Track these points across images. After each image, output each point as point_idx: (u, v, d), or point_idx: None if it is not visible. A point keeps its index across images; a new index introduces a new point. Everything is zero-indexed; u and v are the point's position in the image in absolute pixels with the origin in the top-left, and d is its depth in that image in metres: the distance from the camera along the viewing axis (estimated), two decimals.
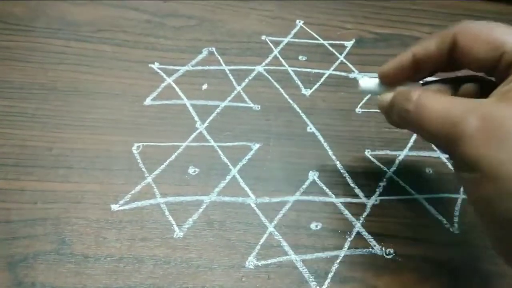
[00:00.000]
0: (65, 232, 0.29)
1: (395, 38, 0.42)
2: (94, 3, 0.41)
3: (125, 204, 0.30)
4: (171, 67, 0.38)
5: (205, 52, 0.39)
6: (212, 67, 0.38)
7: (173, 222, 0.30)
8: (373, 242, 0.30)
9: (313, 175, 0.33)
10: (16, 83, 0.35)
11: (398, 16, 0.44)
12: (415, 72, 0.24)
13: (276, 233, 0.30)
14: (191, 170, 0.32)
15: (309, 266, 0.28)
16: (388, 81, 0.25)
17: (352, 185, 0.32)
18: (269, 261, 0.29)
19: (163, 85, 0.36)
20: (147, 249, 0.28)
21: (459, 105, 0.20)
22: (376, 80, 0.27)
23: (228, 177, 0.32)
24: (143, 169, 0.32)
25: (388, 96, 0.25)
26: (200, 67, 0.38)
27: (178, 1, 0.42)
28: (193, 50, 0.39)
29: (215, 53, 0.39)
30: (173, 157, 0.33)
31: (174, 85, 0.37)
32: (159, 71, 0.37)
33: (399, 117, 0.23)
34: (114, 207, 0.30)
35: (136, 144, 0.33)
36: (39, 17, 0.40)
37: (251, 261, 0.28)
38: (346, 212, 0.31)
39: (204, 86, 0.37)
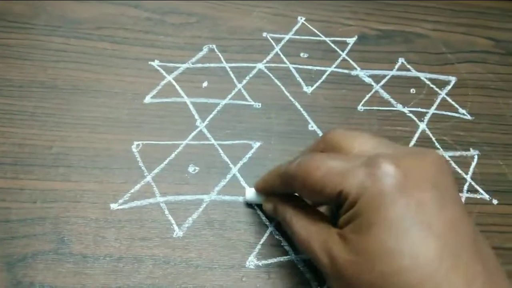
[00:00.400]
0: (64, 232, 0.28)
1: (398, 34, 0.42)
2: (94, 0, 0.41)
3: (124, 203, 0.30)
4: (171, 64, 0.37)
5: (205, 50, 0.39)
6: (212, 65, 0.38)
7: (173, 222, 0.29)
8: None
9: None
10: (15, 81, 0.35)
11: (401, 12, 0.44)
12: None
13: (277, 232, 0.29)
14: (191, 168, 0.32)
15: (310, 266, 0.28)
16: (264, 192, 0.29)
17: None
18: (270, 261, 0.28)
19: (163, 82, 0.36)
20: (146, 249, 0.28)
21: (316, 239, 0.23)
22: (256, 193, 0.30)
23: (229, 176, 0.32)
24: (143, 168, 0.31)
25: (269, 204, 0.29)
26: (200, 65, 0.38)
27: None
28: (193, 48, 0.39)
29: (216, 50, 0.39)
30: (173, 155, 0.32)
31: (174, 82, 0.36)
32: (159, 68, 0.37)
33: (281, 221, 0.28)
34: (113, 206, 0.30)
35: (135, 143, 0.33)
36: (39, 15, 0.39)
37: (251, 261, 0.28)
38: None
39: (205, 84, 0.36)
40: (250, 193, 0.30)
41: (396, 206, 0.21)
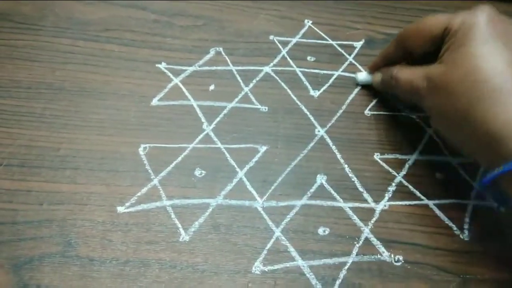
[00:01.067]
0: (71, 234, 0.28)
1: None
2: (102, 2, 0.41)
3: (131, 207, 0.30)
4: (178, 67, 0.37)
5: (212, 52, 0.39)
6: (219, 68, 0.38)
7: (179, 225, 0.29)
8: (381, 248, 0.29)
9: (321, 179, 0.32)
10: (23, 82, 0.35)
11: (408, 16, 0.43)
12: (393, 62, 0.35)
13: (283, 237, 0.29)
14: (197, 172, 0.32)
15: (317, 272, 0.28)
16: (376, 69, 0.37)
17: (361, 189, 0.32)
18: (276, 267, 0.28)
19: (170, 85, 0.36)
20: (153, 253, 0.28)
21: (417, 74, 0.30)
22: (367, 74, 0.37)
23: (235, 180, 0.32)
24: (149, 171, 0.32)
25: (378, 75, 0.36)
26: (207, 67, 0.38)
27: (186, 0, 0.42)
28: (200, 50, 0.39)
29: (223, 53, 0.39)
30: (179, 159, 0.32)
31: (181, 85, 0.36)
32: (166, 71, 0.37)
33: (386, 87, 0.35)
34: (120, 209, 0.30)
35: (142, 146, 0.33)
36: (47, 16, 0.40)
37: (257, 267, 0.28)
38: (354, 217, 0.31)
39: (211, 87, 0.36)
40: (362, 75, 0.37)
41: (485, 29, 0.27)
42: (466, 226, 0.31)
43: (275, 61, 0.39)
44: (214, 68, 0.38)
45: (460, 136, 0.28)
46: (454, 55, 0.28)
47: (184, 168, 0.32)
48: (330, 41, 0.41)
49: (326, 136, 0.34)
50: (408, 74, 0.31)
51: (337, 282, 0.28)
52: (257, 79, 0.37)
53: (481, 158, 0.28)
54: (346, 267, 0.28)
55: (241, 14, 0.41)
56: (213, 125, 0.34)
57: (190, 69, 0.37)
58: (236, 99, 0.36)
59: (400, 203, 0.31)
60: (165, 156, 0.32)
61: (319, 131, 0.35)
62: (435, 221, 0.31)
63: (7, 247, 0.28)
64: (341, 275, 0.28)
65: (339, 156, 0.33)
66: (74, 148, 0.32)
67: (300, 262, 0.29)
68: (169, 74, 0.37)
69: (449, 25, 0.29)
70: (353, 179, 0.32)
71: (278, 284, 0.28)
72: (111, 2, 0.41)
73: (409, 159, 0.34)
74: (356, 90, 0.38)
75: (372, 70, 0.37)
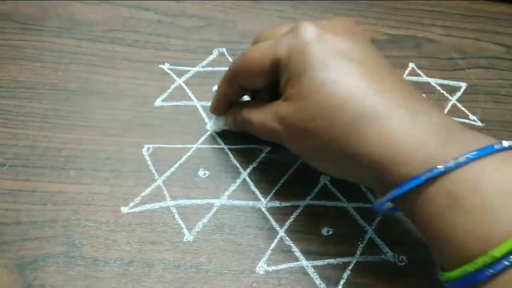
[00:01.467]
0: (75, 235, 0.28)
1: (408, 39, 0.42)
2: (105, 3, 0.41)
3: (135, 207, 0.30)
4: (181, 67, 0.37)
5: (215, 53, 0.39)
6: (222, 68, 0.38)
7: (183, 226, 0.29)
8: (385, 248, 0.29)
9: (324, 179, 0.32)
10: (26, 83, 0.35)
11: (411, 17, 0.44)
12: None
13: (287, 238, 0.29)
14: (201, 172, 0.32)
15: (321, 272, 0.28)
16: (221, 111, 0.33)
17: (365, 189, 0.32)
18: (280, 267, 0.28)
19: (173, 86, 0.36)
20: (157, 253, 0.28)
21: (268, 114, 0.27)
22: (216, 120, 0.33)
23: (239, 180, 0.32)
24: (153, 171, 0.31)
25: (229, 118, 0.32)
26: (210, 68, 0.38)
27: (189, 1, 0.42)
28: (203, 51, 0.39)
29: (226, 54, 0.39)
30: (183, 159, 0.32)
31: (184, 86, 0.36)
32: (169, 71, 0.37)
33: (241, 129, 0.31)
34: (124, 209, 0.30)
35: (146, 146, 0.33)
36: (50, 17, 0.40)
37: (261, 267, 0.28)
38: (358, 217, 0.31)
39: (215, 87, 0.36)
40: (212, 123, 0.33)
41: (318, 50, 0.24)
42: None
43: None
44: (217, 68, 0.38)
45: (338, 170, 0.26)
46: (297, 89, 0.25)
47: (188, 169, 0.32)
48: None
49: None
50: (260, 115, 0.28)
51: (341, 282, 0.28)
52: None
53: (368, 185, 0.27)
54: (350, 267, 0.28)
55: (245, 14, 0.42)
56: None
57: (194, 69, 0.37)
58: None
59: None
60: (168, 156, 0.32)
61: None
62: None
63: (11, 247, 0.28)
64: (345, 275, 0.28)
65: None
66: (78, 149, 0.32)
67: (304, 262, 0.29)
68: (173, 74, 0.37)
69: (276, 56, 0.26)
70: None
71: (282, 284, 0.28)
72: (114, 3, 0.41)
73: None
74: None
75: (217, 113, 0.33)
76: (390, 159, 0.22)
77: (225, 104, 0.31)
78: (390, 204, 0.25)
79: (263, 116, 0.28)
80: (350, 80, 0.24)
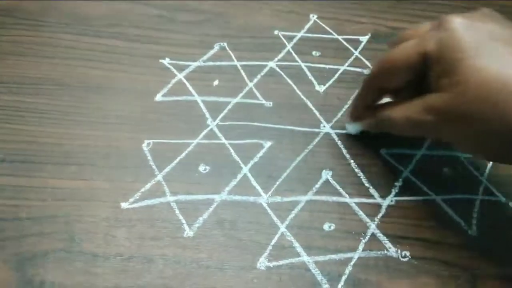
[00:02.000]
0: (75, 230, 0.28)
1: None
2: None
3: (135, 202, 0.30)
4: (182, 62, 0.37)
5: (216, 47, 0.38)
6: (223, 63, 0.37)
7: (183, 221, 0.29)
8: (388, 244, 0.29)
9: (326, 174, 0.32)
10: (26, 78, 0.35)
11: (414, 10, 0.43)
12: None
13: (288, 233, 0.29)
14: (201, 168, 0.32)
15: (322, 268, 0.28)
16: (358, 116, 0.33)
17: (367, 184, 0.31)
18: (281, 262, 0.28)
19: (174, 80, 0.36)
20: (157, 248, 0.28)
21: (414, 109, 0.27)
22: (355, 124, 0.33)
23: (239, 176, 0.31)
24: (153, 167, 0.31)
25: (366, 121, 0.32)
26: (211, 63, 0.37)
27: None
28: (204, 45, 0.38)
29: (227, 48, 0.38)
30: (183, 154, 0.32)
31: (185, 80, 0.36)
32: (170, 66, 0.37)
33: (380, 129, 0.32)
34: (124, 205, 0.30)
35: (146, 141, 0.32)
36: (50, 12, 0.39)
37: (262, 262, 0.28)
38: (360, 212, 0.30)
39: (216, 82, 0.36)
40: (349, 127, 0.34)
41: (470, 38, 0.25)
42: (474, 222, 0.30)
43: (280, 56, 0.38)
44: (218, 63, 0.37)
45: (502, 154, 0.26)
46: (454, 77, 0.25)
47: (188, 164, 0.32)
48: (336, 36, 0.40)
49: (331, 132, 0.34)
50: (403, 111, 0.28)
51: (343, 278, 0.27)
52: (262, 74, 0.37)
53: None
54: (352, 263, 0.28)
55: (246, 8, 0.41)
56: (217, 121, 0.34)
57: (194, 64, 0.37)
58: (241, 95, 0.36)
59: (407, 198, 0.31)
60: (169, 151, 0.32)
61: (324, 126, 0.34)
62: (442, 216, 0.30)
63: (11, 243, 0.28)
64: (347, 271, 0.28)
65: (345, 151, 0.33)
66: (78, 144, 0.32)
67: (305, 257, 0.28)
68: (173, 69, 0.37)
69: (425, 51, 0.26)
70: (359, 175, 0.32)
71: (283, 280, 0.27)
72: None
73: (416, 154, 0.33)
74: None
75: (354, 118, 0.33)
76: None
77: (364, 108, 0.32)
78: None
79: (407, 112, 0.28)
80: (507, 59, 0.24)
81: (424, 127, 0.27)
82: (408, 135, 0.30)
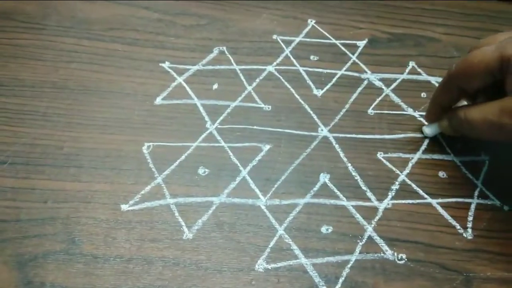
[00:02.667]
0: (75, 232, 0.28)
1: (409, 38, 0.42)
2: (105, 1, 0.41)
3: (134, 204, 0.30)
4: (181, 66, 0.37)
5: (215, 51, 0.39)
6: (222, 67, 0.38)
7: (183, 223, 0.29)
8: (384, 247, 0.29)
9: (324, 178, 0.32)
10: (27, 81, 0.35)
11: (412, 16, 0.44)
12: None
13: (286, 236, 0.29)
14: (201, 170, 0.32)
15: (320, 270, 0.28)
16: (435, 117, 0.34)
17: (364, 188, 0.32)
18: (279, 265, 0.28)
19: (173, 84, 0.36)
20: (156, 250, 0.28)
21: (492, 111, 0.28)
22: (432, 126, 0.35)
23: (238, 178, 0.32)
24: (153, 169, 0.32)
25: (443, 122, 0.33)
26: (210, 67, 0.38)
27: (189, 0, 0.42)
28: (203, 49, 0.39)
29: (226, 52, 0.39)
30: (183, 157, 0.32)
31: (184, 84, 0.36)
32: (169, 70, 0.37)
33: (458, 131, 0.32)
34: (124, 207, 0.30)
35: (146, 144, 0.33)
36: (50, 15, 0.40)
37: (260, 264, 0.28)
38: (357, 215, 0.31)
39: (215, 86, 0.37)
40: (426, 129, 0.35)
41: None
42: (469, 225, 0.31)
43: (279, 60, 0.39)
44: (217, 67, 0.38)
45: None
46: None
47: (188, 167, 0.32)
48: (334, 41, 0.41)
49: (329, 135, 0.34)
50: (481, 113, 0.29)
51: (340, 280, 0.28)
52: (261, 78, 0.37)
53: None
54: (349, 265, 0.28)
55: (245, 13, 0.42)
56: (216, 124, 0.34)
57: (194, 68, 0.37)
58: (240, 98, 0.36)
59: (403, 201, 0.31)
60: (168, 154, 0.32)
61: (322, 130, 0.35)
62: (438, 219, 0.31)
63: (11, 244, 0.28)
64: (344, 273, 0.28)
65: (342, 154, 0.33)
66: (78, 147, 0.32)
67: (303, 260, 0.29)
68: (173, 73, 0.37)
69: (504, 55, 0.27)
70: (356, 178, 0.32)
71: (281, 282, 0.28)
72: (114, 2, 0.41)
73: (412, 158, 0.34)
74: (360, 89, 0.38)
75: (431, 120, 0.35)
76: None
77: (440, 109, 0.33)
78: None
79: (485, 114, 0.28)
80: None
81: (502, 129, 0.28)
82: (486, 138, 0.31)
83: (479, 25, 0.44)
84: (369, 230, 0.30)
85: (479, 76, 0.29)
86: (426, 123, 0.35)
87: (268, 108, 0.36)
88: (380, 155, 0.34)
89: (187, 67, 0.37)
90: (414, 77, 0.39)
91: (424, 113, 0.36)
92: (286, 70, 0.38)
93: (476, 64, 0.29)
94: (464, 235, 0.30)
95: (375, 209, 0.31)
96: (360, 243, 0.29)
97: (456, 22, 0.44)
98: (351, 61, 0.39)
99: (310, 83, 0.38)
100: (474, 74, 0.29)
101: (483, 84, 0.29)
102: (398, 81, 0.38)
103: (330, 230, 0.30)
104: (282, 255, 0.29)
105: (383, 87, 0.38)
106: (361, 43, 0.41)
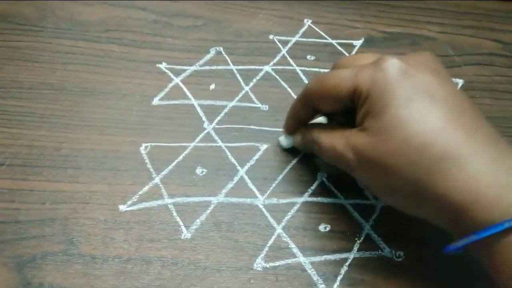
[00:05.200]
0: (73, 233, 0.29)
1: (405, 37, 0.42)
2: (102, 3, 0.41)
3: (133, 205, 0.30)
4: (178, 67, 0.38)
5: (212, 52, 0.39)
6: (219, 67, 0.38)
7: (181, 223, 0.30)
8: (382, 244, 0.29)
9: (321, 176, 0.32)
10: (25, 83, 0.35)
11: (407, 15, 0.44)
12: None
13: (284, 234, 0.30)
14: (198, 170, 0.32)
15: (318, 268, 0.28)
16: (292, 130, 0.32)
17: (361, 186, 0.32)
18: (277, 263, 0.28)
19: (170, 85, 0.36)
20: (154, 250, 0.28)
21: (339, 141, 0.27)
22: (287, 137, 0.33)
23: (236, 178, 0.32)
24: (151, 170, 0.32)
25: (298, 137, 0.32)
26: (207, 67, 0.38)
27: (186, 1, 0.42)
28: (200, 50, 0.39)
29: (223, 52, 0.39)
30: (180, 157, 0.32)
31: (181, 85, 0.36)
32: (166, 71, 0.37)
33: (309, 151, 0.31)
34: (122, 207, 0.30)
35: (144, 145, 0.33)
36: (47, 17, 0.40)
37: (259, 263, 0.28)
38: (355, 213, 0.31)
39: (212, 86, 0.37)
40: (282, 139, 0.33)
41: (403, 86, 0.24)
42: None
43: (275, 60, 0.39)
44: (214, 67, 0.38)
45: (412, 208, 0.25)
46: (377, 123, 0.24)
47: (186, 167, 0.32)
48: (330, 40, 0.41)
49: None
50: (330, 140, 0.27)
51: (339, 278, 0.28)
52: (257, 78, 0.38)
53: (439, 225, 0.25)
54: (348, 263, 0.29)
55: (241, 14, 0.42)
56: (214, 124, 0.34)
57: (191, 68, 0.38)
58: (237, 98, 0.36)
59: None
60: (166, 155, 0.32)
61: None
62: None
63: (10, 245, 0.28)
64: (343, 271, 0.28)
65: None
66: (76, 148, 0.32)
67: (301, 258, 0.29)
68: (170, 74, 0.37)
69: (357, 86, 0.25)
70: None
71: (280, 281, 0.28)
72: (111, 3, 0.41)
73: None
74: None
75: (289, 132, 0.33)
76: (473, 204, 0.22)
77: (297, 123, 0.31)
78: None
79: (334, 141, 0.27)
80: (434, 119, 0.23)
81: (347, 164, 0.26)
82: (333, 165, 0.28)
83: (474, 23, 0.44)
84: (367, 228, 0.30)
85: (330, 101, 0.27)
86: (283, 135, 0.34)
87: (265, 108, 0.36)
88: None
89: (184, 67, 0.38)
90: None
91: None
92: (283, 70, 0.38)
93: (327, 90, 0.27)
94: None
95: (373, 207, 0.31)
96: (358, 241, 0.29)
97: (452, 20, 0.44)
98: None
99: (307, 82, 0.38)
100: (326, 97, 0.27)
101: (337, 109, 0.28)
102: None
103: (328, 229, 0.30)
104: (280, 254, 0.29)
105: None
106: (358, 43, 0.41)
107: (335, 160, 0.27)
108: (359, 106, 0.26)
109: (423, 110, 0.24)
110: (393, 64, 0.25)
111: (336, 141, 0.27)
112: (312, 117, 0.31)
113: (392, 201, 0.26)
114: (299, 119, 0.31)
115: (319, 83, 0.28)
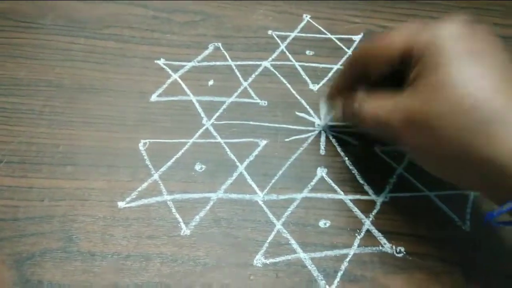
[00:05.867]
0: (72, 230, 0.28)
1: None
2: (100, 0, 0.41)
3: (131, 201, 0.30)
4: (177, 63, 0.37)
5: (211, 48, 0.39)
6: (218, 63, 0.38)
7: (180, 220, 0.29)
8: (383, 240, 0.29)
9: (321, 172, 0.32)
10: (23, 80, 0.35)
11: (406, 9, 0.43)
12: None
13: (284, 230, 0.29)
14: (197, 166, 0.32)
15: (318, 264, 0.28)
16: (335, 95, 0.32)
17: (362, 181, 0.32)
18: (277, 259, 0.28)
19: (169, 81, 0.36)
20: (154, 247, 0.28)
21: (385, 106, 0.26)
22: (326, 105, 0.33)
23: (235, 174, 0.32)
24: (150, 166, 0.32)
25: (338, 105, 0.31)
26: (206, 63, 0.38)
27: None
28: (199, 46, 0.39)
29: (221, 48, 0.39)
30: (179, 153, 0.32)
31: (180, 81, 0.36)
32: (165, 67, 0.37)
33: (349, 121, 0.31)
34: (121, 204, 0.30)
35: (142, 141, 0.33)
36: (46, 14, 0.40)
37: (259, 259, 0.28)
38: (355, 209, 0.31)
39: (210, 82, 0.36)
40: (322, 104, 0.33)
41: (459, 47, 0.24)
42: (467, 217, 0.31)
43: (274, 55, 0.39)
44: (213, 63, 0.38)
45: (456, 174, 0.25)
46: (429, 81, 0.24)
47: (184, 163, 0.32)
48: (329, 35, 0.41)
49: (326, 129, 0.34)
50: (373, 106, 0.27)
51: (339, 274, 0.28)
52: (256, 73, 0.37)
53: (486, 193, 0.24)
54: (348, 259, 0.28)
55: (239, 9, 0.41)
56: (212, 120, 0.34)
57: (189, 64, 0.37)
58: (236, 94, 0.36)
59: (401, 194, 0.31)
60: (165, 151, 0.32)
61: (318, 124, 0.35)
62: (436, 212, 0.31)
63: (9, 243, 0.28)
64: (343, 267, 0.28)
65: (339, 149, 0.33)
66: (74, 145, 0.32)
67: (301, 254, 0.28)
68: (168, 70, 0.37)
69: (413, 44, 0.25)
70: (353, 172, 0.32)
71: (280, 277, 0.28)
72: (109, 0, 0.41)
73: None
74: None
75: (331, 97, 0.32)
76: None
77: (338, 90, 0.31)
78: (506, 217, 0.24)
79: (378, 106, 0.26)
80: (487, 81, 0.23)
81: (391, 130, 0.26)
82: (372, 133, 0.29)
83: (474, 17, 0.43)
84: (367, 224, 0.30)
85: (382, 60, 0.27)
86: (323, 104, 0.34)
87: (264, 103, 0.36)
88: (377, 149, 0.34)
89: (183, 63, 0.37)
90: None
91: None
92: (282, 66, 0.38)
93: (382, 47, 0.27)
94: (463, 227, 0.30)
95: (373, 202, 0.31)
96: (359, 237, 0.29)
97: (451, 15, 0.43)
98: (347, 56, 0.39)
99: (306, 78, 0.37)
100: (378, 56, 0.27)
101: (385, 70, 0.27)
102: None
103: (328, 224, 0.30)
104: (280, 250, 0.29)
105: None
106: (357, 38, 0.41)
107: (380, 128, 0.27)
108: (412, 66, 0.25)
109: (477, 71, 0.23)
110: (452, 24, 0.25)
111: (383, 107, 0.26)
112: (356, 84, 0.29)
113: (437, 168, 0.26)
114: (342, 86, 0.30)
115: (371, 43, 0.28)
